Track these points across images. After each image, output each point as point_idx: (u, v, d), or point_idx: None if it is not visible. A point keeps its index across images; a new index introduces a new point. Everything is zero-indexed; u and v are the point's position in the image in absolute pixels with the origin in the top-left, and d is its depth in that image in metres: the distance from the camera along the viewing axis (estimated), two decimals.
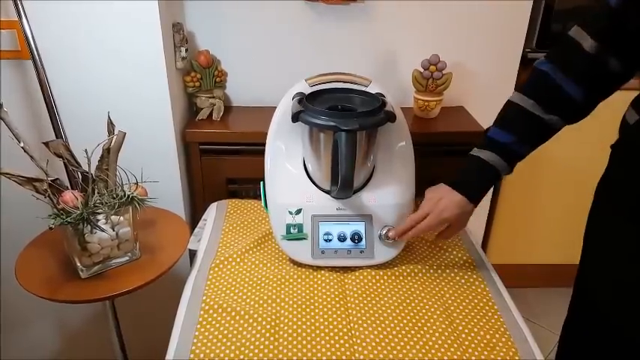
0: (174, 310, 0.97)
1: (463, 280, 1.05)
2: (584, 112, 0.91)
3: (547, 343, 1.80)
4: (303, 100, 1.04)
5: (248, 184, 1.47)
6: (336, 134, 0.95)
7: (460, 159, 1.46)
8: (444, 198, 0.99)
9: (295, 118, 1.02)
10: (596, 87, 0.87)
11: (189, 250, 1.17)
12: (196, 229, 1.27)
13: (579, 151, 1.80)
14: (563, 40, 0.87)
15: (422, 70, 1.48)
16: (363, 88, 1.11)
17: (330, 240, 1.06)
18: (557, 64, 0.88)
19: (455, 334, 0.90)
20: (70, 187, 1.02)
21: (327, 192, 1.08)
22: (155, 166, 1.33)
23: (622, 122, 0.87)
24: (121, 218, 1.03)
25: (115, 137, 1.03)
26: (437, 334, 0.90)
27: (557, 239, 1.98)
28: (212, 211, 1.30)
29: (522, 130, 0.94)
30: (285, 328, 0.91)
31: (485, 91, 1.62)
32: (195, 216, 1.51)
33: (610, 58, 0.82)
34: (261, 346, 0.87)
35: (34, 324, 1.57)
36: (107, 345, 1.27)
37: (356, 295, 0.99)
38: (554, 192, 1.89)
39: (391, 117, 1.02)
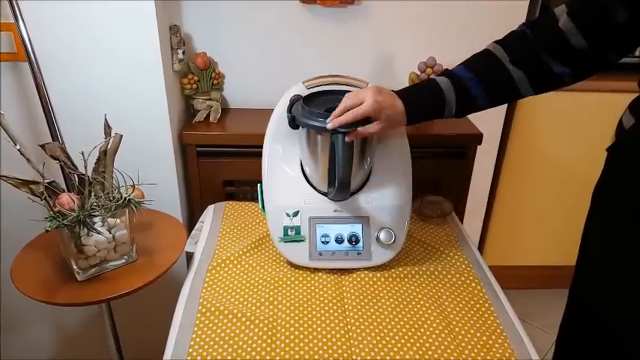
0: (171, 312, 0.97)
1: (460, 282, 1.05)
2: (553, 83, 0.88)
3: (543, 344, 1.81)
4: (299, 102, 1.04)
5: (245, 187, 1.47)
6: (332, 136, 0.95)
7: (456, 161, 1.48)
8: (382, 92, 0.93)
9: (292, 123, 1.03)
10: (567, 64, 0.85)
11: (186, 252, 1.17)
12: (193, 232, 1.27)
13: (575, 154, 1.80)
14: (548, 12, 0.86)
15: (418, 72, 1.48)
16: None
17: (328, 242, 1.06)
18: (533, 32, 0.87)
19: (452, 336, 0.90)
20: (66, 190, 1.02)
21: (325, 194, 1.08)
22: (152, 168, 1.33)
23: (618, 125, 0.87)
24: (118, 221, 1.03)
25: (111, 139, 1.03)
26: (434, 336, 0.90)
27: (553, 241, 1.98)
28: (209, 214, 1.30)
29: (482, 70, 0.91)
30: (283, 330, 0.91)
31: None
32: (192, 218, 1.51)
33: (579, 39, 0.81)
34: (259, 348, 0.87)
35: (31, 325, 1.57)
36: (104, 346, 1.27)
37: (353, 297, 0.99)
38: (550, 194, 1.89)
39: None
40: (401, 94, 0.94)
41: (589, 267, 0.93)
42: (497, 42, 0.91)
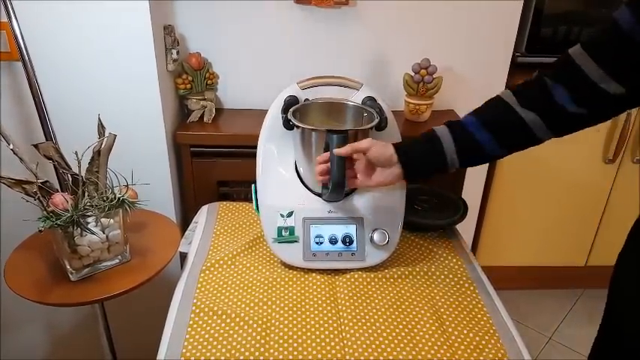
0: (165, 312, 0.97)
1: (453, 283, 1.05)
2: (571, 124, 0.81)
3: (535, 345, 1.82)
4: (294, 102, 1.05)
5: (239, 187, 1.47)
6: (327, 137, 0.96)
7: None
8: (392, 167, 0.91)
9: (287, 124, 1.03)
10: (596, 112, 0.79)
11: (180, 252, 1.17)
12: (187, 232, 1.27)
13: (568, 155, 1.80)
14: (567, 62, 0.77)
15: (413, 73, 1.49)
16: (355, 92, 1.12)
17: (322, 242, 1.06)
18: (562, 84, 0.78)
19: (445, 336, 0.91)
20: (60, 190, 1.01)
21: (319, 195, 1.08)
22: (146, 168, 1.32)
23: None
24: (112, 221, 1.03)
25: (105, 139, 1.03)
26: (427, 337, 0.90)
27: (546, 241, 1.99)
28: (203, 214, 1.30)
29: (488, 114, 0.85)
30: (276, 330, 0.91)
31: (475, 94, 1.61)
32: (186, 218, 1.51)
33: (613, 84, 0.73)
34: (252, 349, 0.87)
35: (24, 326, 1.56)
36: (97, 347, 1.26)
37: (347, 298, 0.99)
38: (543, 194, 1.90)
39: (382, 122, 1.03)
40: (394, 143, 0.92)
41: (624, 307, 0.84)
42: (508, 88, 0.85)
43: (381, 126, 1.04)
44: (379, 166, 0.93)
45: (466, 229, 1.89)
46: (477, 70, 1.60)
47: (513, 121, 0.82)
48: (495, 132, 0.85)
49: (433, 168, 0.91)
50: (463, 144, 0.87)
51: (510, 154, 0.88)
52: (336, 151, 0.93)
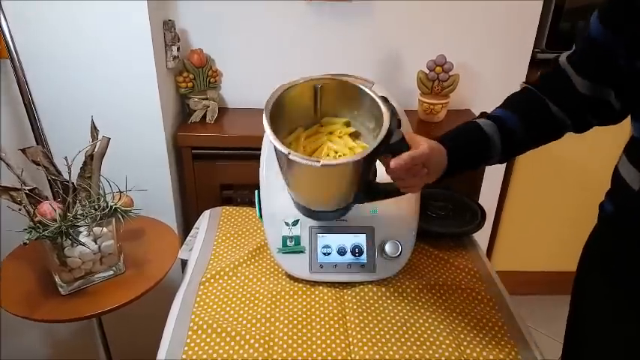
0: (164, 321, 0.92)
1: (471, 298, 0.98)
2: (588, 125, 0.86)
3: (552, 352, 1.76)
4: None
5: (243, 190, 1.42)
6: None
7: None
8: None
9: None
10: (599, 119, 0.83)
11: (181, 259, 1.11)
12: (188, 238, 1.22)
13: (586, 158, 1.76)
14: (556, 73, 0.81)
15: (427, 71, 1.43)
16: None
17: (329, 253, 1.00)
18: (549, 97, 0.83)
19: (463, 357, 0.84)
20: (51, 198, 0.96)
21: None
22: (145, 172, 1.28)
23: (617, 180, 0.76)
24: (104, 230, 0.97)
25: (98, 143, 0.97)
26: (443, 358, 0.84)
27: (562, 247, 1.94)
28: (205, 219, 1.24)
29: (526, 111, 0.86)
30: (279, 350, 0.85)
31: (493, 93, 1.55)
32: (187, 224, 1.46)
33: (606, 94, 0.76)
34: None
35: (21, 333, 1.53)
36: (95, 356, 1.22)
37: (356, 314, 0.93)
38: (559, 199, 1.86)
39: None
40: (440, 140, 0.84)
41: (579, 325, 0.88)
42: (534, 85, 0.86)
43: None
44: (429, 170, 0.81)
45: (481, 233, 1.82)
46: (495, 67, 1.54)
47: (547, 119, 0.84)
48: (530, 128, 0.85)
49: (476, 163, 0.91)
50: (506, 142, 0.85)
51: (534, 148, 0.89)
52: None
